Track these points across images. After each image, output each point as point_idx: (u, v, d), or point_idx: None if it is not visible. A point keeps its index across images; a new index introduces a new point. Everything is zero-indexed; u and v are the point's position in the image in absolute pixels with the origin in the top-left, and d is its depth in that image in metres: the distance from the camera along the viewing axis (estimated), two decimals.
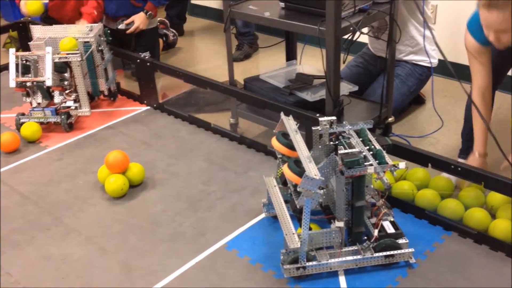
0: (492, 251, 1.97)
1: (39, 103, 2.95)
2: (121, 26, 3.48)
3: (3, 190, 2.46)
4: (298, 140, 1.92)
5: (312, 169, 1.74)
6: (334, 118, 2.01)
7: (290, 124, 2.02)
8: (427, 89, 3.13)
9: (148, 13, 3.50)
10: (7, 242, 2.15)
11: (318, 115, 2.29)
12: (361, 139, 1.96)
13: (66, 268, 2.01)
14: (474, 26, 2.15)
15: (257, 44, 4.18)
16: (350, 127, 2.01)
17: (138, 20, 3.48)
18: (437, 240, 2.04)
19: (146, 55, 3.10)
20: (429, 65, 3.02)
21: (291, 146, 1.96)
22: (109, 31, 3.14)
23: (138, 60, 3.06)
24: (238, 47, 4.10)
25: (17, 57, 2.84)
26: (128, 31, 3.48)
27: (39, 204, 2.36)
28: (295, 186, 1.85)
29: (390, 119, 2.68)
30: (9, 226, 2.23)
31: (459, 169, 2.03)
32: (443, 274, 1.88)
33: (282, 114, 2.09)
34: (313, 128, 2.03)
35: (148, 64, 3.03)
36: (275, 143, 2.03)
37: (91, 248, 2.10)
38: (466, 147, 2.56)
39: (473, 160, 2.35)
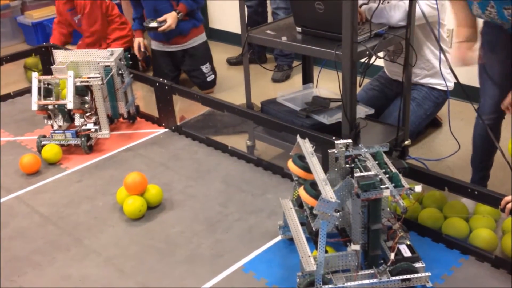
0: (511, 276, 1.96)
1: (60, 126, 3.02)
2: (153, 24, 3.58)
3: (24, 211, 2.50)
4: (314, 162, 1.94)
5: (328, 192, 1.75)
6: (349, 141, 2.03)
7: (306, 147, 2.04)
8: (444, 112, 3.12)
9: (179, 13, 3.64)
10: (28, 262, 2.18)
11: (334, 138, 2.31)
12: (377, 162, 1.97)
13: None
14: None
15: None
16: (366, 150, 2.03)
17: (171, 19, 3.61)
18: (455, 264, 2.03)
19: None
20: (445, 88, 3.03)
21: (307, 169, 1.98)
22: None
23: (157, 84, 3.12)
24: (278, 68, 4.14)
25: (39, 80, 2.91)
26: (160, 29, 3.59)
27: (59, 225, 2.40)
28: (311, 208, 1.87)
29: (406, 142, 2.68)
30: (30, 246, 2.27)
31: (476, 193, 2.03)
32: None
33: (298, 137, 2.12)
34: (329, 151, 2.05)
35: (166, 87, 3.08)
36: (291, 166, 2.05)
37: (109, 270, 2.12)
38: (478, 178, 2.51)
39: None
